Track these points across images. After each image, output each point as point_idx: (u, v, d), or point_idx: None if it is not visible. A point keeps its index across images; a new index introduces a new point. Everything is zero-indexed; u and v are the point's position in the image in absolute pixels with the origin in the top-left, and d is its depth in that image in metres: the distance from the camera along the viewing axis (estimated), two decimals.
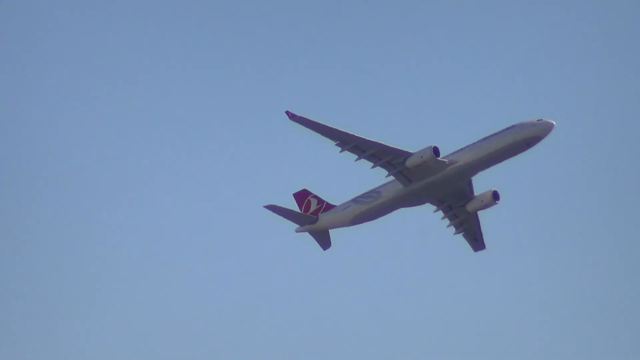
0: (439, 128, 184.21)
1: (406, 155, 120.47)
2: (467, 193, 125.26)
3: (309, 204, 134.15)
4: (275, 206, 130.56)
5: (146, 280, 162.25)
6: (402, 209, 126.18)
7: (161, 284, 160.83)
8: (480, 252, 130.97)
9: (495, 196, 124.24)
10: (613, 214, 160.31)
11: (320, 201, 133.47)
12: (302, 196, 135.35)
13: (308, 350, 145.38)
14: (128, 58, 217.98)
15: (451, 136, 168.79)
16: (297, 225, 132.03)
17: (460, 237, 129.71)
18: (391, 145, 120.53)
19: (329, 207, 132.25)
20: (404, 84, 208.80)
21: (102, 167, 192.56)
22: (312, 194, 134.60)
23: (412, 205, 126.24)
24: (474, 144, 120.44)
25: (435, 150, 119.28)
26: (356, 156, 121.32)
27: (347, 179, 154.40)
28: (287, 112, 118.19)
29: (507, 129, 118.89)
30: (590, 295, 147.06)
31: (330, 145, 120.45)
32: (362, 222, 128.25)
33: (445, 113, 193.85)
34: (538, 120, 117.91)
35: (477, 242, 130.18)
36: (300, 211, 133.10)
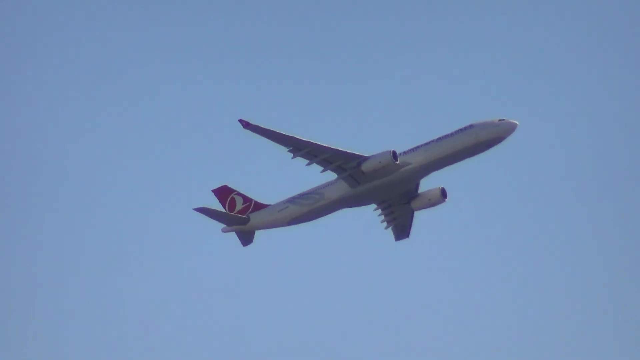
0: (386, 125, 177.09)
1: (361, 159, 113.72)
2: (412, 191, 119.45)
3: (233, 201, 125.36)
4: (206, 208, 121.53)
5: (68, 284, 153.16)
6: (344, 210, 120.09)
7: (83, 288, 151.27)
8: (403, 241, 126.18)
9: (443, 194, 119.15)
10: (560, 216, 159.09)
11: (246, 199, 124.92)
12: (223, 193, 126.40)
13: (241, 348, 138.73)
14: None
15: (400, 134, 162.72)
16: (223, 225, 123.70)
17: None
18: (347, 150, 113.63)
19: (258, 205, 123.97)
20: (349, 79, 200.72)
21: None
22: (235, 191, 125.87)
23: (356, 206, 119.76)
24: (429, 144, 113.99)
25: (394, 155, 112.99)
26: (307, 161, 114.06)
27: (267, 175, 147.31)
28: (241, 121, 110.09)
29: (465, 128, 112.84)
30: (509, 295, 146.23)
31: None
32: (300, 223, 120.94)
33: (394, 110, 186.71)
34: (500, 120, 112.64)
35: (403, 232, 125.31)
36: (225, 210, 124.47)
